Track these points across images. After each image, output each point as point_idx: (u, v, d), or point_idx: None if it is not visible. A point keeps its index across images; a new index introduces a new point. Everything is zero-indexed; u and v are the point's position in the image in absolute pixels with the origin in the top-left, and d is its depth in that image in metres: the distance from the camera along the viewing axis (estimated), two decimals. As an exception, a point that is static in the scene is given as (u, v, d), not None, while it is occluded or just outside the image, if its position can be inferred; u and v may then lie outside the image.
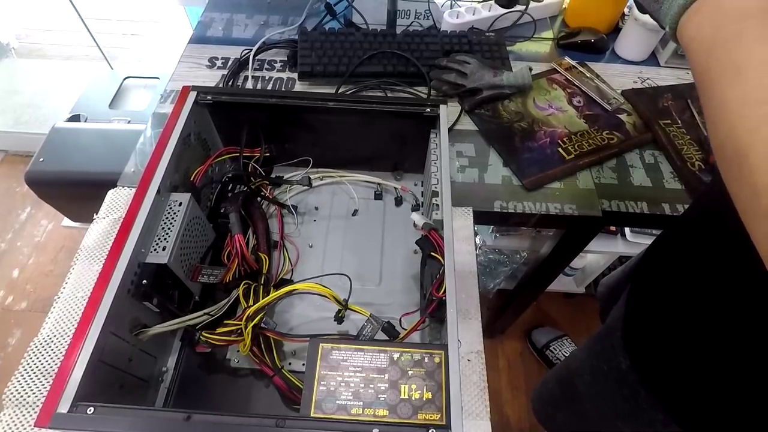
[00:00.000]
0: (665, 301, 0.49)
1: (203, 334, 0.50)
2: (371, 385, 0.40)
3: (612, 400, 0.57)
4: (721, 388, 0.43)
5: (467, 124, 0.78)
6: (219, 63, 0.88)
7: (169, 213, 0.52)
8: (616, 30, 0.96)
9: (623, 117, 0.79)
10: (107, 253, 0.45)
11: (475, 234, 0.74)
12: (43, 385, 0.48)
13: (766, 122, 0.24)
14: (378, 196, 0.72)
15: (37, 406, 0.46)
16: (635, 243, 1.08)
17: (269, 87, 0.84)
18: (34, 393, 0.47)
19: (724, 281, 0.28)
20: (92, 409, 0.37)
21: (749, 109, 0.25)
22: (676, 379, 0.47)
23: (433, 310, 0.49)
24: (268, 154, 0.68)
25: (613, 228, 1.11)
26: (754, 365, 0.40)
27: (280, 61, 0.88)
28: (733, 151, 0.26)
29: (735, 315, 0.39)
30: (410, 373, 0.41)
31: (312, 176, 0.70)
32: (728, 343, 0.41)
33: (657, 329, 0.49)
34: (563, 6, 1.01)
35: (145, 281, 0.48)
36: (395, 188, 0.72)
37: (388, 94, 0.82)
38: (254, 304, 0.49)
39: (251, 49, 0.87)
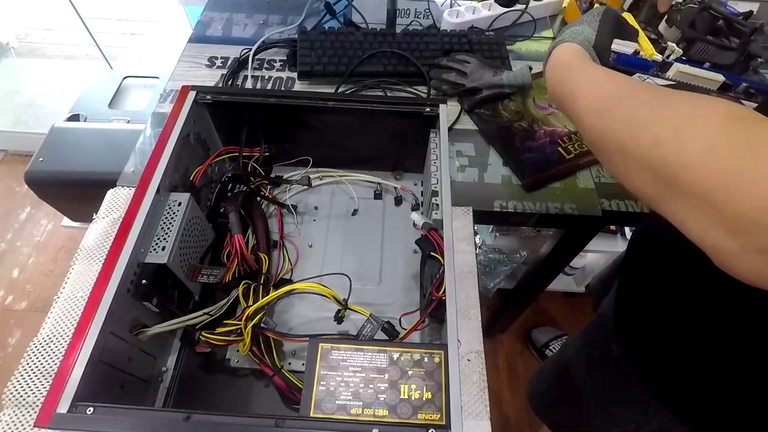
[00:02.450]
0: (652, 288, 0.50)
1: (203, 333, 0.50)
2: (371, 385, 0.40)
3: (606, 388, 0.58)
4: (710, 372, 0.43)
5: (467, 123, 0.78)
6: (218, 62, 0.87)
7: (168, 213, 0.52)
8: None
9: (623, 116, 0.78)
10: (107, 252, 0.45)
11: (475, 234, 0.74)
12: (43, 385, 0.48)
13: (599, 116, 0.37)
14: (378, 195, 0.72)
15: (37, 406, 0.46)
16: (635, 242, 1.08)
17: (269, 86, 0.83)
18: (33, 393, 0.47)
19: (707, 264, 0.30)
20: (92, 409, 0.37)
21: (589, 116, 0.38)
22: (667, 365, 0.48)
23: (433, 310, 0.49)
24: (267, 154, 0.68)
25: (613, 227, 1.11)
26: (741, 348, 0.40)
27: (280, 61, 0.88)
28: (589, 140, 0.39)
29: (720, 298, 0.40)
30: (410, 373, 0.41)
31: (312, 176, 0.70)
32: (715, 327, 0.42)
33: (646, 316, 0.50)
34: (563, 5, 1.01)
35: (144, 281, 0.48)
36: (395, 188, 0.72)
37: (388, 94, 0.82)
38: (254, 303, 0.49)
39: (251, 49, 0.87)
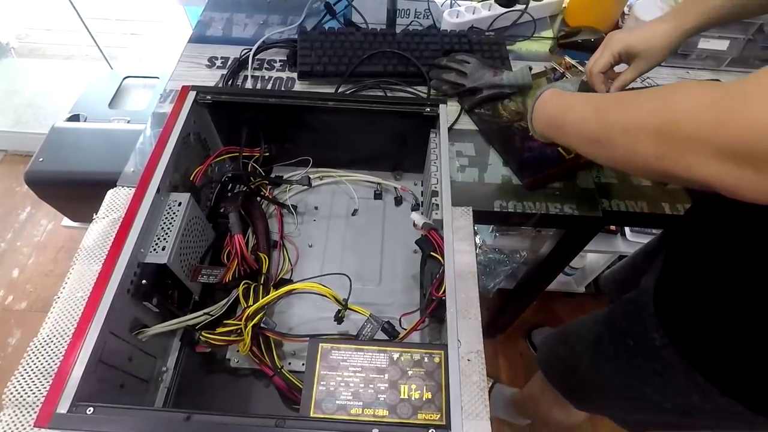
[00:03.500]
0: (704, 277, 0.49)
1: (203, 333, 0.50)
2: (371, 385, 0.40)
3: (644, 375, 0.57)
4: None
5: (467, 123, 0.78)
6: (218, 62, 0.88)
7: (168, 213, 0.52)
8: (616, 29, 0.96)
9: (623, 116, 0.79)
10: (107, 253, 0.45)
11: (475, 234, 0.74)
12: (43, 385, 0.48)
13: (596, 113, 0.45)
14: (378, 195, 0.72)
15: (37, 406, 0.46)
16: (635, 242, 1.08)
17: (269, 87, 0.84)
18: (33, 393, 0.47)
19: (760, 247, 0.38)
20: (92, 409, 0.37)
21: (589, 116, 0.47)
22: (724, 352, 0.47)
23: (433, 310, 0.49)
24: (267, 154, 0.68)
25: (613, 227, 1.10)
26: None
27: (280, 61, 0.88)
28: (588, 136, 0.47)
29: None
30: (410, 373, 0.41)
31: (312, 176, 0.70)
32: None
33: (698, 306, 0.50)
34: (563, 5, 1.01)
35: (144, 281, 0.48)
36: (395, 188, 0.72)
37: (388, 94, 0.82)
38: (254, 303, 0.49)
39: (251, 49, 0.87)
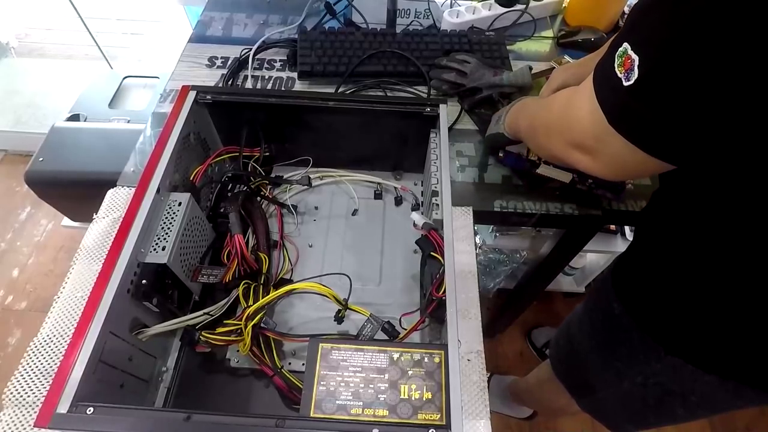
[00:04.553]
0: (646, 248, 0.55)
1: (203, 333, 0.50)
2: (371, 385, 0.40)
3: (610, 345, 0.62)
4: (707, 309, 0.47)
5: (467, 123, 0.78)
6: (218, 62, 0.87)
7: (168, 213, 0.52)
8: (616, 28, 0.96)
9: (623, 116, 0.79)
10: (107, 253, 0.45)
11: (475, 234, 0.74)
12: (43, 385, 0.48)
13: (532, 118, 0.56)
14: (378, 195, 0.72)
15: (37, 406, 0.46)
16: (635, 242, 1.08)
17: (269, 86, 0.84)
18: (33, 393, 0.47)
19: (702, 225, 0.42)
20: (92, 409, 0.37)
21: (528, 123, 0.57)
22: (665, 313, 0.52)
23: (433, 310, 0.49)
24: (267, 154, 0.68)
25: (613, 227, 1.10)
26: (733, 286, 0.44)
27: (280, 61, 0.88)
28: (529, 131, 0.57)
29: (716, 256, 0.45)
30: (410, 373, 0.41)
31: (312, 176, 0.70)
32: (712, 274, 0.46)
33: (644, 274, 0.55)
34: (563, 5, 1.01)
35: (144, 281, 0.48)
36: (395, 188, 0.72)
37: (388, 94, 0.82)
38: (254, 303, 0.49)
39: (251, 49, 0.87)
